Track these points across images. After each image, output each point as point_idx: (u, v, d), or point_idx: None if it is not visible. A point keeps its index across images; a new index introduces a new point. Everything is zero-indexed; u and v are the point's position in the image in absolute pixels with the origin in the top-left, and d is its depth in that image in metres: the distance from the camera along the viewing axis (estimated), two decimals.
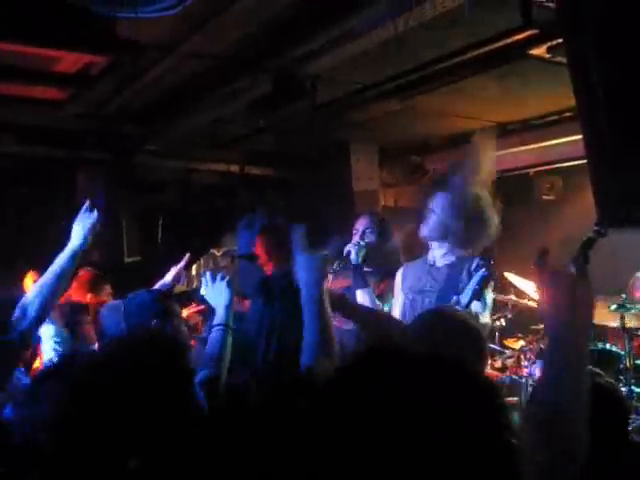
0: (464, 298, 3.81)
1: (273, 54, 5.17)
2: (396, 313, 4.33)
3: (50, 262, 3.19)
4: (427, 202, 4.41)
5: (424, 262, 4.43)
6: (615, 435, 2.31)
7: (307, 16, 4.61)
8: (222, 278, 3.19)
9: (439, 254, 4.35)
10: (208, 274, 3.25)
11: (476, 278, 3.80)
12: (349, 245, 4.62)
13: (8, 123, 6.88)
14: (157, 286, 4.54)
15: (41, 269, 3.24)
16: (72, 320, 4.46)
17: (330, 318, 2.56)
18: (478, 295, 3.78)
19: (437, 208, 4.31)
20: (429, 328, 2.54)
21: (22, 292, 4.81)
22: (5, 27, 4.42)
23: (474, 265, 4.12)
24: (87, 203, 3.43)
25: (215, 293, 3.20)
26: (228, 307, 3.12)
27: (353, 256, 4.55)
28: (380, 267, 4.73)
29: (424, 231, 4.36)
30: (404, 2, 4.24)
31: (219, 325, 3.06)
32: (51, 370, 2.02)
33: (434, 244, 4.38)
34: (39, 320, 3.08)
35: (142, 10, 3.84)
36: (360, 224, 4.89)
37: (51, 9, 4.29)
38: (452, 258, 4.29)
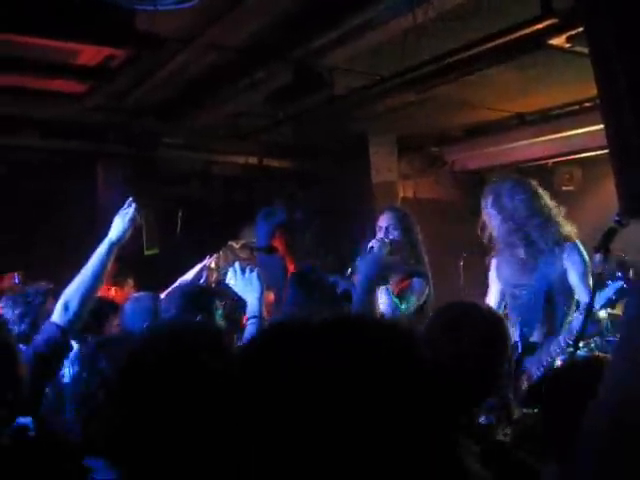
0: (598, 303, 3.86)
1: (291, 45, 5.17)
2: (491, 302, 4.47)
3: (69, 254, 3.19)
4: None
5: (513, 256, 4.49)
6: None
7: (325, 7, 4.60)
8: (252, 270, 3.26)
9: (525, 249, 4.43)
10: (237, 265, 3.31)
11: (613, 288, 3.84)
12: (373, 241, 4.65)
13: (29, 116, 6.91)
14: (178, 283, 4.55)
15: (61, 261, 3.23)
16: (100, 315, 4.46)
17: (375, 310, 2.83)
18: (612, 304, 3.83)
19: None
20: (453, 323, 2.55)
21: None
22: (25, 21, 4.44)
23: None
24: (130, 198, 3.49)
25: (245, 285, 3.26)
26: (260, 299, 3.21)
27: (376, 251, 4.57)
28: (404, 264, 4.73)
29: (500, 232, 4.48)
30: None
31: (254, 317, 3.15)
32: (104, 343, 2.27)
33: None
34: (81, 315, 3.07)
35: (161, 3, 3.85)
36: (383, 220, 4.86)
37: (70, 2, 4.31)
38: (536, 253, 4.37)
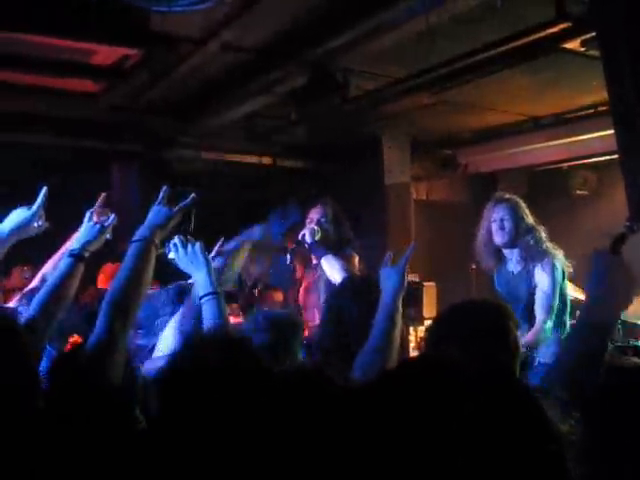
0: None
1: (306, 47, 5.18)
2: None
3: None
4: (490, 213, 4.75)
5: (506, 269, 4.79)
6: None
7: (340, 8, 4.61)
8: (193, 244, 3.03)
9: (514, 262, 4.73)
10: (177, 239, 3.04)
11: None
12: (304, 230, 4.92)
13: (44, 115, 6.96)
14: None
15: None
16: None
17: (399, 328, 2.76)
18: None
19: (507, 216, 4.67)
20: (460, 320, 2.54)
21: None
22: (42, 21, 4.48)
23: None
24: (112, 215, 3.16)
25: (189, 260, 3.02)
26: (210, 274, 2.96)
27: (307, 238, 4.81)
28: (332, 248, 4.90)
29: (501, 238, 4.68)
30: None
31: (209, 294, 2.89)
32: None
33: (507, 252, 4.75)
34: (44, 312, 2.68)
35: (176, 4, 3.87)
36: (314, 213, 5.10)
37: (86, 3, 4.34)
38: (519, 267, 4.69)
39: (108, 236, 3.09)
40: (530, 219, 4.70)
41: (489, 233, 4.74)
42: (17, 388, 1.94)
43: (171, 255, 3.08)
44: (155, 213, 2.76)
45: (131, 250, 2.56)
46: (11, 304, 3.54)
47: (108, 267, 5.55)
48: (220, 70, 5.82)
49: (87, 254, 2.93)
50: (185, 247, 3.03)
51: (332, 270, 4.75)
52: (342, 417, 1.30)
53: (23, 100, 6.38)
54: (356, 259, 4.98)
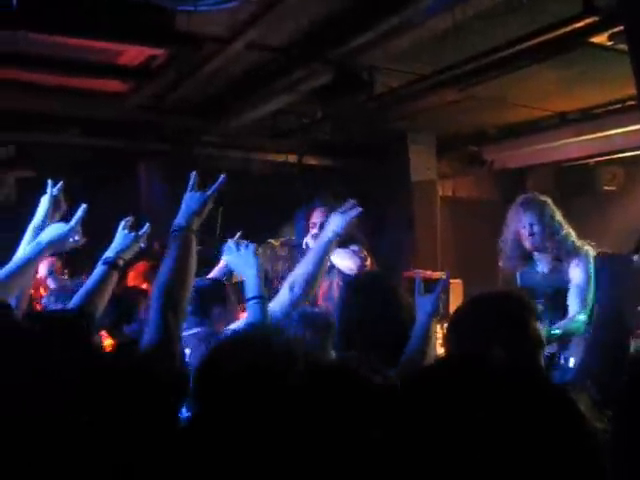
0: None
1: (331, 45, 5.18)
2: None
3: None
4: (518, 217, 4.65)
5: (535, 270, 4.72)
6: None
7: (364, 6, 4.61)
8: (247, 246, 3.07)
9: (545, 263, 4.66)
10: (231, 242, 3.13)
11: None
12: (307, 237, 4.99)
13: (71, 115, 7.01)
14: (213, 275, 4.57)
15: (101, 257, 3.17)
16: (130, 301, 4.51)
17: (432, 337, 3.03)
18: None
19: (536, 220, 4.59)
20: (482, 312, 2.54)
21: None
22: (68, 22, 4.51)
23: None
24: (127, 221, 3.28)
25: (241, 261, 3.06)
26: (258, 277, 2.99)
27: (310, 244, 4.83)
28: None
29: (532, 243, 4.59)
30: None
31: (255, 298, 2.93)
32: None
33: (537, 254, 4.67)
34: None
35: (201, 3, 3.89)
36: (316, 217, 5.12)
37: (112, 3, 4.37)
38: (550, 267, 4.64)
39: (142, 245, 3.23)
40: (559, 216, 4.61)
41: (518, 236, 4.66)
42: (90, 384, 1.96)
43: (225, 255, 3.18)
44: (189, 200, 2.78)
45: (171, 241, 2.60)
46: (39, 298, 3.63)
47: (141, 265, 5.63)
48: (245, 68, 5.84)
49: (121, 262, 3.07)
50: (238, 248, 3.08)
51: (343, 260, 4.80)
52: (379, 415, 1.31)
53: (50, 100, 6.44)
54: (364, 252, 4.99)
